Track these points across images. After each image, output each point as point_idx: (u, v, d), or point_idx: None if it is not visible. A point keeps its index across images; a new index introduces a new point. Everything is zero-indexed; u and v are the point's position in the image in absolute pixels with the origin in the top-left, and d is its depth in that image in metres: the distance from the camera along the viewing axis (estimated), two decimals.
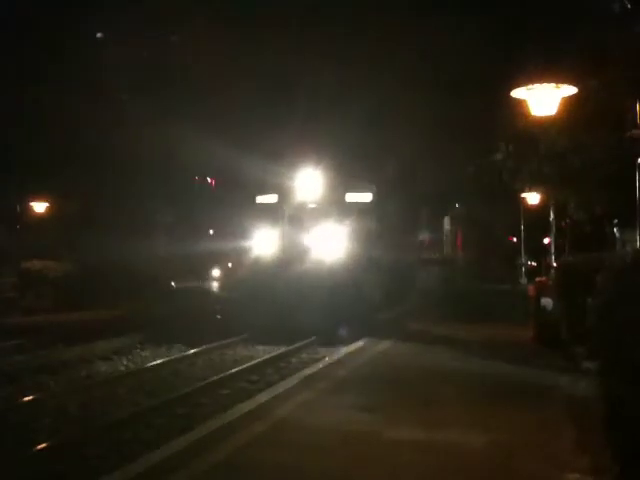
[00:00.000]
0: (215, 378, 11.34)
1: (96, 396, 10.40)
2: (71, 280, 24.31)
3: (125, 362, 13.84)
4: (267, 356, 13.92)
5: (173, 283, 33.77)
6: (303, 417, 7.47)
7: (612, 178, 13.26)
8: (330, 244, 18.71)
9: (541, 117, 8.71)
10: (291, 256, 18.68)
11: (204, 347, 14.95)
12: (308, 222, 19.24)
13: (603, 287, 4.61)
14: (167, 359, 13.75)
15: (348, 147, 20.84)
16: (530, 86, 8.06)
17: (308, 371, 10.82)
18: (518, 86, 8.06)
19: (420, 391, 9.03)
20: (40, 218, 26.63)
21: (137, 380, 11.62)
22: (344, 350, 13.32)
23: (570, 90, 8.18)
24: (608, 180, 13.73)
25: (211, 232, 46.39)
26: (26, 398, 9.91)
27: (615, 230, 24.35)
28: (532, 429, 7.06)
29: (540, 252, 35.86)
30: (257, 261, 19.23)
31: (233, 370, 12.14)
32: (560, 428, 7.06)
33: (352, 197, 19.66)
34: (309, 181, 19.58)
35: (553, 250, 25.59)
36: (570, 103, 8.65)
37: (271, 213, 19.64)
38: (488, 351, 13.14)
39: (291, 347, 14.99)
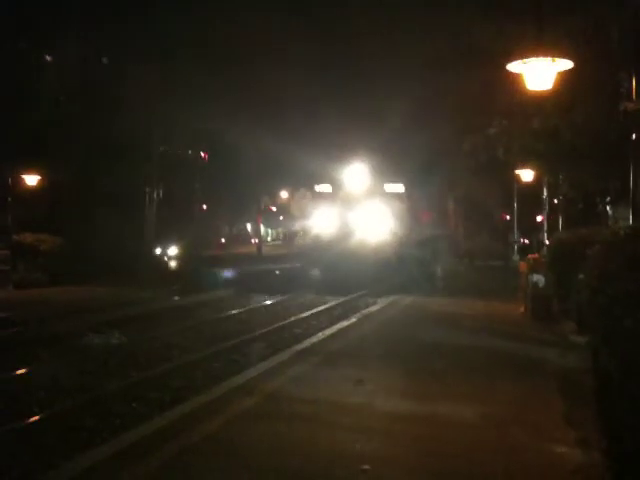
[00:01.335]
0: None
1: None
2: (63, 254, 24.22)
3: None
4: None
5: (166, 258, 33.73)
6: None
7: (605, 153, 13.24)
8: (373, 223, 24.37)
9: (536, 91, 8.67)
10: (343, 232, 24.27)
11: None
12: (356, 206, 24.92)
13: (595, 261, 4.61)
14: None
15: (387, 145, 26.34)
16: (526, 60, 8.00)
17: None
18: (514, 59, 8.01)
19: (415, 359, 9.10)
20: (32, 191, 26.43)
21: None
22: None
23: (566, 64, 8.11)
24: (601, 155, 13.71)
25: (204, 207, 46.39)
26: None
27: (607, 207, 24.38)
28: (522, 402, 7.11)
29: (532, 229, 36.00)
30: (317, 236, 25.13)
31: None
32: (549, 402, 7.12)
33: (389, 188, 25.62)
34: (357, 175, 25.60)
35: (545, 227, 25.70)
36: (565, 77, 8.60)
37: (327, 199, 25.69)
38: (480, 325, 13.22)
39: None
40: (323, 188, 26.53)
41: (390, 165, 25.74)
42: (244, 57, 31.36)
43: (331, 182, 26.09)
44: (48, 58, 27.72)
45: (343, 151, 25.96)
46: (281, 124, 32.53)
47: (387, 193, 25.48)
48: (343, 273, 21.79)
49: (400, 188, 26.00)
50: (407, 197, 25.79)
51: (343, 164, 25.80)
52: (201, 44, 29.08)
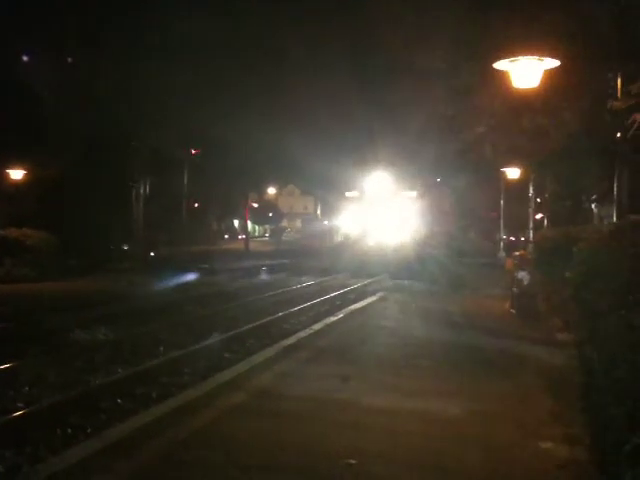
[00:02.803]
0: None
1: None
2: (50, 249, 24.09)
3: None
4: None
5: (152, 253, 33.59)
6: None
7: (592, 152, 13.33)
8: (391, 222, 30.80)
9: (524, 90, 8.71)
10: (368, 230, 30.84)
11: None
12: (378, 208, 31.44)
13: (580, 259, 4.65)
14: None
15: (402, 158, 32.55)
16: (513, 58, 8.03)
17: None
18: (501, 58, 8.04)
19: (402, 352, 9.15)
20: (17, 186, 26.24)
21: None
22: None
23: (553, 63, 8.15)
24: (588, 154, 13.81)
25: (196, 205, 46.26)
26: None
27: (593, 206, 24.56)
28: (509, 399, 7.16)
29: (519, 227, 36.23)
30: (347, 233, 33.22)
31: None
32: (535, 398, 7.17)
33: (405, 194, 32.87)
34: (379, 183, 32.26)
35: (532, 225, 25.87)
36: (552, 75, 8.65)
37: (355, 203, 33.37)
38: (467, 321, 13.28)
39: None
40: (352, 194, 33.89)
41: (407, 175, 32.46)
42: (248, 57, 31.60)
43: (359, 189, 33.14)
44: (25, 58, 27.49)
45: (370, 164, 32.58)
46: (284, 124, 34.07)
47: (405, 199, 31.93)
48: (367, 264, 27.85)
49: (413, 194, 32.74)
50: (420, 202, 32.38)
51: (369, 174, 32.38)
52: (202, 43, 29.01)
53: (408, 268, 25.44)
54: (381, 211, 31.64)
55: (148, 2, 27.46)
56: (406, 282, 23.10)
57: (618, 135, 8.59)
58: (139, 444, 5.40)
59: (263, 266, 32.54)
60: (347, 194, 34.75)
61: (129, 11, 26.86)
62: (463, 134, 17.18)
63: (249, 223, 60.41)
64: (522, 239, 34.30)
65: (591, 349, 4.32)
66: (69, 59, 27.83)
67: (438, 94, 17.45)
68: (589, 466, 4.83)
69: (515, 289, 14.42)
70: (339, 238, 35.25)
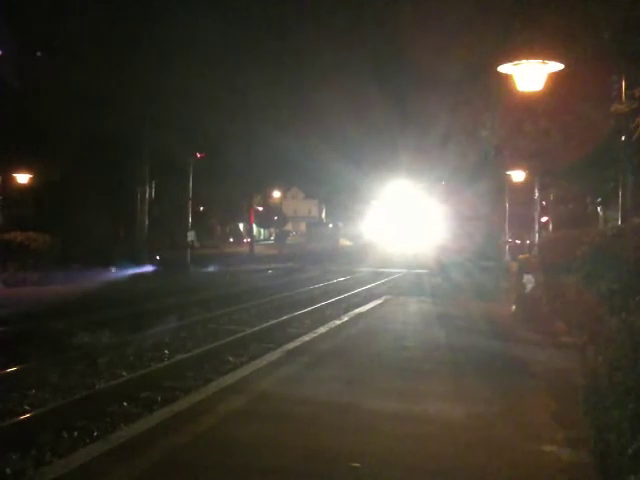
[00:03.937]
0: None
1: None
2: (54, 252, 24.16)
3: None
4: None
5: (158, 257, 33.64)
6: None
7: (596, 155, 13.32)
8: (410, 229, 35.04)
9: (527, 93, 8.72)
10: (390, 235, 36.49)
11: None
12: (400, 215, 36.51)
13: (583, 262, 4.65)
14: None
15: (419, 171, 35.93)
16: (517, 62, 8.05)
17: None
18: (505, 61, 8.06)
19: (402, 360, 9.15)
20: (23, 190, 26.31)
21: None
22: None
23: (557, 66, 8.17)
24: (592, 157, 13.80)
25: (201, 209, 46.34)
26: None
27: (599, 209, 24.49)
28: (512, 402, 7.15)
29: (524, 230, 36.20)
30: (371, 240, 39.48)
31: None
32: (539, 401, 7.16)
33: (423, 203, 34.73)
34: (399, 193, 37.32)
35: (537, 228, 25.84)
36: (556, 78, 8.66)
37: (377, 209, 40.07)
38: (471, 325, 13.27)
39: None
40: (377, 203, 39.85)
41: (423, 186, 35.63)
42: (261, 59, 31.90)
43: (383, 199, 38.73)
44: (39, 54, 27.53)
45: (387, 166, 38.05)
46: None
47: (425, 204, 34.19)
48: (385, 268, 32.64)
49: (430, 202, 34.96)
50: (441, 208, 34.52)
51: (387, 179, 38.02)
52: (211, 44, 29.09)
53: (427, 270, 26.80)
54: (402, 216, 36.28)
55: (152, 1, 27.53)
56: (424, 282, 24.24)
57: (622, 138, 8.59)
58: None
59: (269, 269, 34.94)
60: (373, 203, 40.86)
61: (131, 10, 26.92)
62: (473, 140, 17.20)
63: (254, 226, 60.44)
64: (527, 242, 34.27)
65: (593, 352, 4.32)
66: (38, 53, 27.80)
67: (451, 100, 17.49)
68: (592, 469, 4.82)
69: (520, 292, 14.42)
70: (352, 242, 44.97)
